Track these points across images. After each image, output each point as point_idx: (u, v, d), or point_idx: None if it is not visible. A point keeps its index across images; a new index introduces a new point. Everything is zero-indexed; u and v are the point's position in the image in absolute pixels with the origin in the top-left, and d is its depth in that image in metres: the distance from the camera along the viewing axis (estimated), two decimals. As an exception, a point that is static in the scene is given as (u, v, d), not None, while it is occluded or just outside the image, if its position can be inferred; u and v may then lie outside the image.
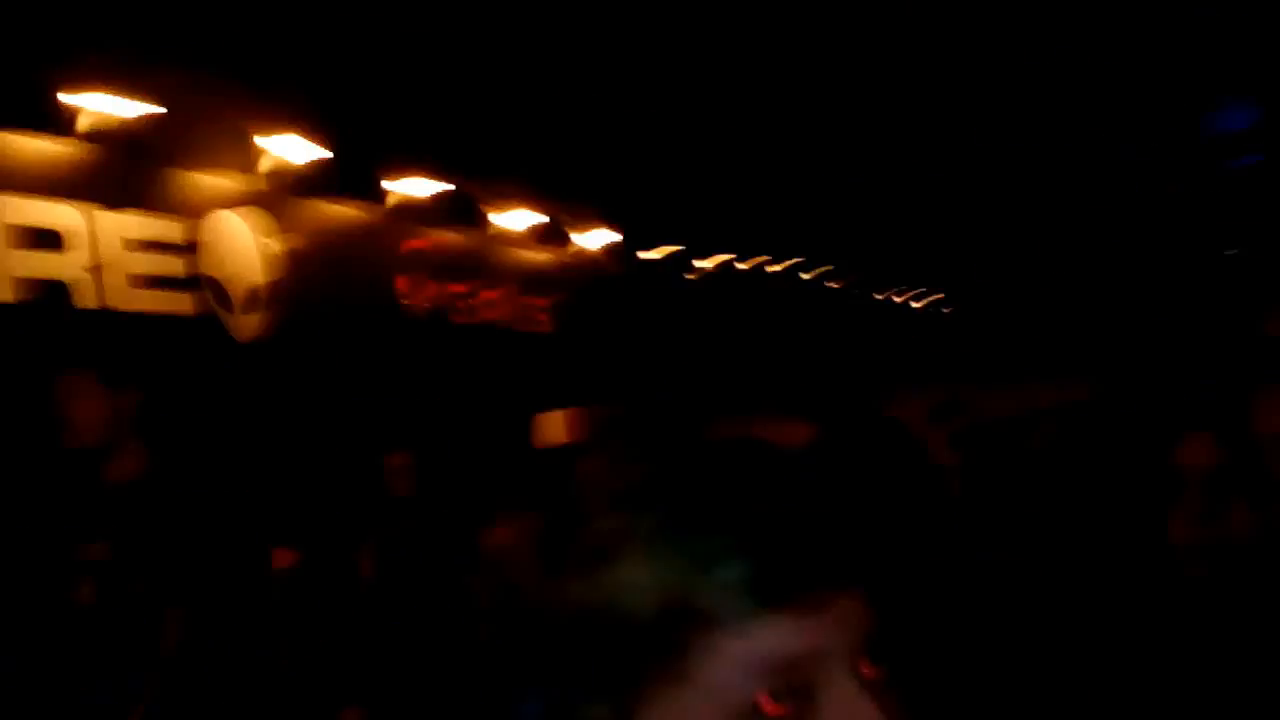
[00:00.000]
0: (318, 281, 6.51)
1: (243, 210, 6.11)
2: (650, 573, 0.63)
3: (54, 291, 5.08)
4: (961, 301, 14.04)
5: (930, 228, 11.05)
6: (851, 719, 0.62)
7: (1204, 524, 1.75)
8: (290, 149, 6.19)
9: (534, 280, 8.61)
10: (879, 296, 13.27)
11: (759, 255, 10.92)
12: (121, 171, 5.49)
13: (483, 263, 8.13)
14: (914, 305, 13.93)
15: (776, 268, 11.20)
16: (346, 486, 5.54)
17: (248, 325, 6.04)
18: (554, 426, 7.36)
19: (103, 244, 5.33)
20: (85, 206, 5.26)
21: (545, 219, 8.39)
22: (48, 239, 5.09)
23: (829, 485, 0.67)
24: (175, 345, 5.48)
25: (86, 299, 5.21)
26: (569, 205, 8.63)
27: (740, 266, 10.73)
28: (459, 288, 7.79)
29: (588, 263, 9.09)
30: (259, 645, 3.30)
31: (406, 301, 7.32)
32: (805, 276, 11.73)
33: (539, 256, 8.74)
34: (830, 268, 11.91)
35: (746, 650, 0.61)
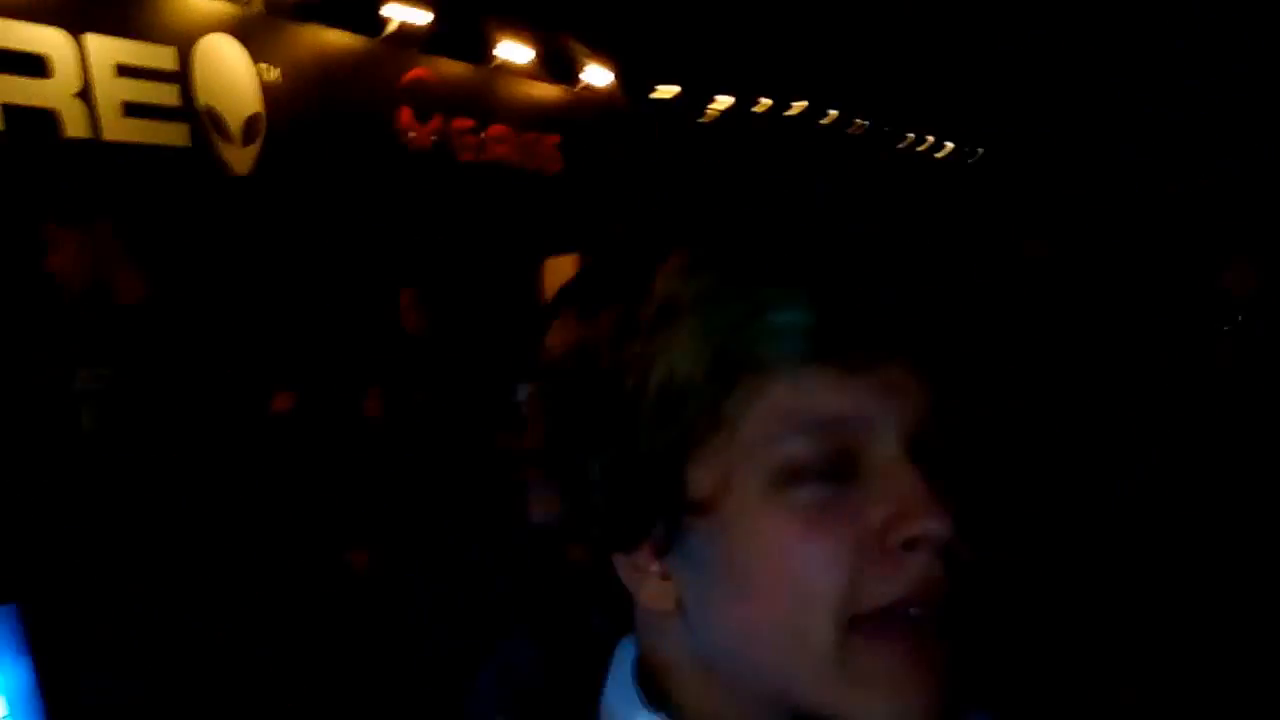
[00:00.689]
0: (316, 112, 6.27)
1: (236, 35, 5.84)
2: (705, 321, 0.60)
3: (42, 120, 4.87)
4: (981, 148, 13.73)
5: (942, 74, 10.71)
6: (894, 496, 0.58)
7: (1251, 347, 1.66)
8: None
9: (542, 117, 8.33)
10: (901, 145, 12.93)
11: (762, 99, 10.57)
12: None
13: (488, 97, 7.85)
14: (935, 156, 13.58)
15: (794, 110, 10.85)
16: (350, 325, 5.43)
17: (244, 157, 5.83)
18: (564, 271, 7.23)
19: (92, 69, 5.10)
20: (72, 29, 5.01)
21: (550, 51, 8.08)
22: (33, 64, 4.86)
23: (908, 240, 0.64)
24: (169, 178, 5.30)
25: (77, 128, 5.01)
26: (572, 39, 8.31)
27: (755, 109, 10.39)
28: (464, 122, 7.53)
29: (596, 99, 8.79)
30: (261, 488, 3.24)
31: (410, 135, 7.08)
32: (824, 121, 11.39)
33: (546, 92, 8.44)
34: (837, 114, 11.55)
35: (791, 402, 0.58)
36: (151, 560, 2.76)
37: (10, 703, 2.01)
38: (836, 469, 0.58)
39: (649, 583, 0.64)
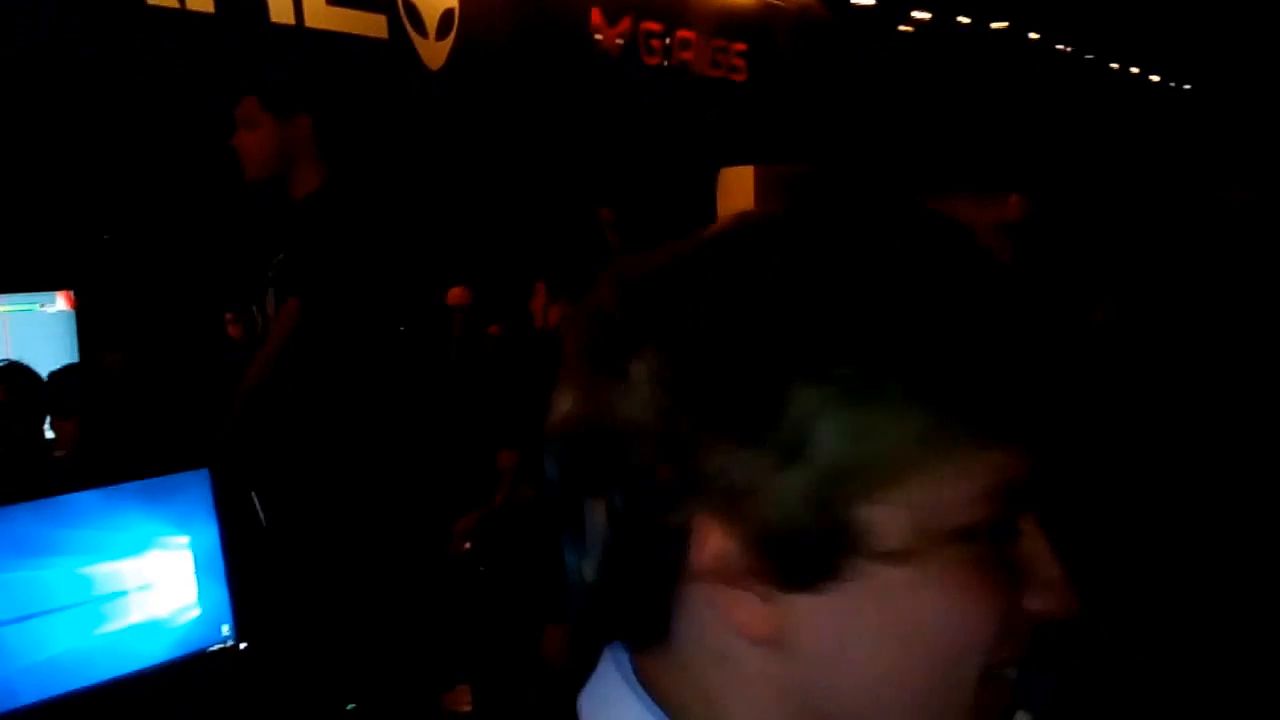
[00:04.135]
0: (509, 9, 6.30)
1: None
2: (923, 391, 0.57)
3: (251, 4, 5.03)
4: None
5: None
6: (1039, 571, 0.60)
7: None
8: None
9: (731, 23, 8.19)
10: (1114, 65, 12.24)
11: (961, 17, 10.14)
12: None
13: (680, 1, 7.74)
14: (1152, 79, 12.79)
15: (1000, 24, 10.40)
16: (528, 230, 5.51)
17: (438, 52, 5.92)
18: (740, 182, 7.17)
19: (300, -44, 5.22)
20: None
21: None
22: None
23: None
24: (366, 70, 5.43)
25: (282, 14, 5.16)
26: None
27: (961, 20, 9.98)
28: (652, 25, 7.46)
29: (791, 7, 8.58)
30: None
31: (599, 36, 7.06)
32: (1033, 36, 10.87)
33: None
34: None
35: (998, 472, 0.57)
36: (333, 436, 2.83)
37: (196, 559, 2.17)
38: (1002, 531, 0.59)
39: (746, 607, 0.60)
